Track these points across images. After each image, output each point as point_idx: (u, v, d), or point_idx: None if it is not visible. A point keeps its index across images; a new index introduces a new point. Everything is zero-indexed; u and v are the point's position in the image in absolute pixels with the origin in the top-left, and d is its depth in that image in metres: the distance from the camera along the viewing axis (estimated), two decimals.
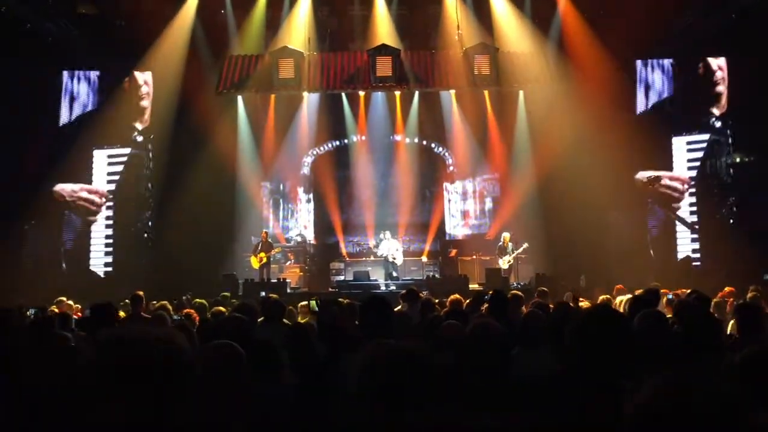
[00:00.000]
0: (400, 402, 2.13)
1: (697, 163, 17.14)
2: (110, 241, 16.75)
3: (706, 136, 17.04)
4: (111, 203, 16.83)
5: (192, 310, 6.88)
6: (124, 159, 16.85)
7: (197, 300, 8.49)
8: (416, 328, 4.86)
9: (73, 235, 16.87)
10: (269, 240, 16.12)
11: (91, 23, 15.47)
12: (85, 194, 17.00)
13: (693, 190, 17.00)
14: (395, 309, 6.72)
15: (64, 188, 16.67)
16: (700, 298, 6.54)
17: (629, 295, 7.26)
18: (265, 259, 15.58)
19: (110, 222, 16.86)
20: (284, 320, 6.17)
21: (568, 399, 2.58)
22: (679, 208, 17.08)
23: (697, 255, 16.35)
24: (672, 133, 17.09)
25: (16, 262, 15.24)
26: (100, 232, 16.90)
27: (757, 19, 14.12)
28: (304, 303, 7.98)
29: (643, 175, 17.15)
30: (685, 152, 17.36)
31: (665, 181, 17.14)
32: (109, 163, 17.09)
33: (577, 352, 2.60)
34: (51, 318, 5.93)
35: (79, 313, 8.54)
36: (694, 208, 17.03)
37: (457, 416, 2.52)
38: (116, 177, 16.86)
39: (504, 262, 15.33)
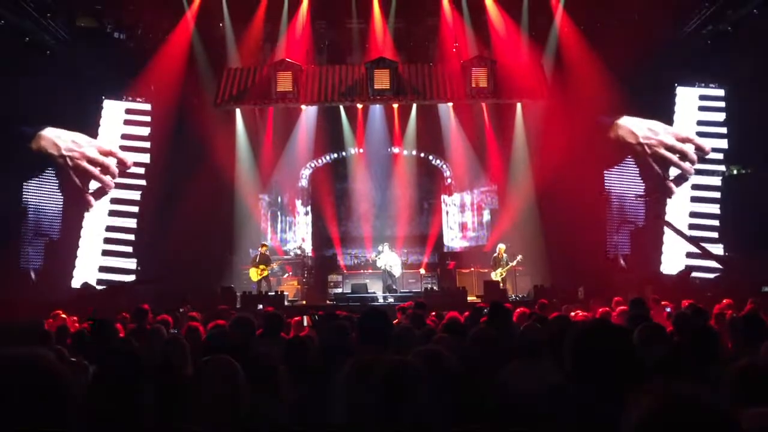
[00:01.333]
0: (394, 414, 2.12)
1: (711, 128, 14.81)
2: (109, 235, 15.63)
3: (720, 92, 15.18)
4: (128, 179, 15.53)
5: (198, 323, 6.83)
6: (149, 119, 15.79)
7: (190, 315, 8.44)
8: (418, 342, 4.83)
9: (54, 226, 14.70)
10: (267, 253, 16.03)
11: (91, 36, 15.52)
12: (93, 153, 13.88)
13: (723, 167, 15.18)
14: (394, 321, 6.71)
15: (59, 136, 13.75)
16: (698, 310, 6.55)
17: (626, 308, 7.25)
18: (265, 272, 15.53)
19: (114, 208, 15.67)
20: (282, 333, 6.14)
21: (567, 411, 2.57)
22: (672, 192, 15.78)
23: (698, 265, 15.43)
24: (677, 80, 15.71)
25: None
26: (101, 219, 15.46)
27: (751, 31, 14.25)
28: (297, 319, 8.00)
29: (629, 121, 15.30)
30: (695, 110, 15.22)
31: (667, 139, 15.09)
32: (127, 122, 15.78)
33: (575, 365, 2.59)
34: (49, 332, 5.89)
35: (77, 324, 8.47)
36: (716, 195, 15.26)
37: (451, 427, 2.51)
38: (133, 143, 15.41)
39: (496, 275, 15.34)
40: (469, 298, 14.13)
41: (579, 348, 2.57)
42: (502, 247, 15.80)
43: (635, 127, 15.60)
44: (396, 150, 18.28)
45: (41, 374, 1.64)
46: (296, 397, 3.12)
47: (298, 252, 18.01)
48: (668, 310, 7.63)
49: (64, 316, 8.60)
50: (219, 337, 3.97)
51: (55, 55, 15.25)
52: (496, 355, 4.04)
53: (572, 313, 8.23)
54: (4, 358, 1.64)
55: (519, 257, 15.44)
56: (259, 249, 15.93)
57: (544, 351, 4.07)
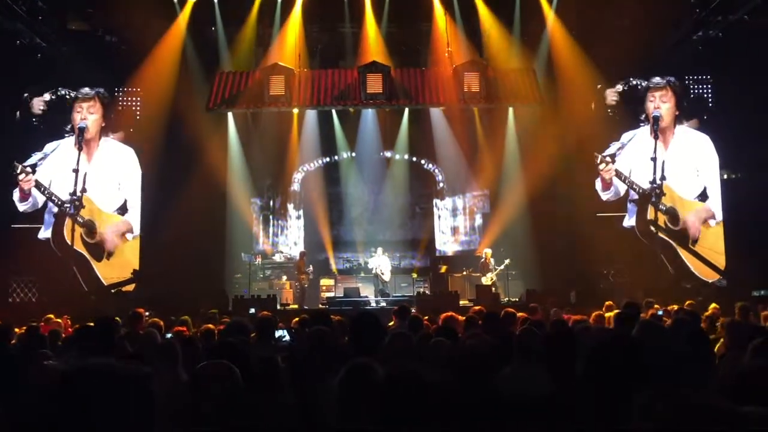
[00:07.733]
0: (396, 420, 2.14)
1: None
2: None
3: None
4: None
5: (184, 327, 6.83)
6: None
7: (183, 317, 8.42)
8: (414, 347, 4.84)
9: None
10: (304, 260, 16.57)
11: (82, 40, 15.48)
12: None
13: None
14: (389, 324, 6.73)
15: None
16: (689, 314, 6.61)
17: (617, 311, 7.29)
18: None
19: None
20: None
21: (563, 418, 2.60)
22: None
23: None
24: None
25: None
26: None
27: (738, 37, 14.45)
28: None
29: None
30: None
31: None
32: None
33: (588, 372, 2.65)
34: (42, 336, 5.88)
35: (70, 329, 8.44)
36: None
37: None
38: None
39: (487, 279, 15.47)
40: (461, 302, 14.14)
41: (595, 358, 2.63)
42: (488, 252, 16.03)
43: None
44: (388, 154, 18.27)
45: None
46: (296, 400, 3.13)
47: (289, 256, 17.98)
48: (660, 313, 7.68)
49: (59, 320, 8.60)
50: (219, 343, 3.96)
51: (46, 58, 15.20)
52: (486, 361, 4.05)
53: (565, 316, 8.26)
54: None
55: (507, 261, 15.60)
56: (297, 258, 16.83)
57: (538, 355, 4.10)
